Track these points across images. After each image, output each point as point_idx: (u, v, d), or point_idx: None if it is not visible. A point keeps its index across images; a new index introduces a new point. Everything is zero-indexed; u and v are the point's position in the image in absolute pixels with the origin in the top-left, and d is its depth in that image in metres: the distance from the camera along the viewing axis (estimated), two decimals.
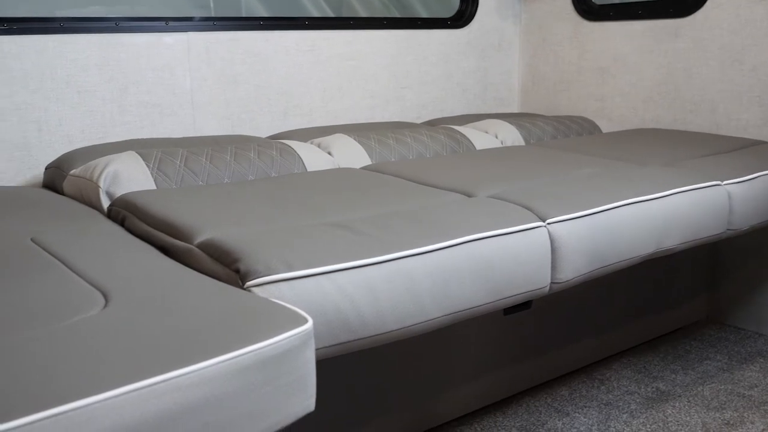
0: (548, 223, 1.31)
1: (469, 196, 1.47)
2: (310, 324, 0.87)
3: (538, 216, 1.32)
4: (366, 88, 2.43)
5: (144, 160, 1.57)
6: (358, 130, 2.07)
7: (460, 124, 2.25)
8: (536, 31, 2.75)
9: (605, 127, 2.40)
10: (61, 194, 1.65)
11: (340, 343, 1.05)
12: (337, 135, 1.93)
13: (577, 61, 2.62)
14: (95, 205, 1.51)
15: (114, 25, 1.95)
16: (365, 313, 1.06)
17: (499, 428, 1.67)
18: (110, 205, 1.46)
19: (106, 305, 0.89)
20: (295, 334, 0.84)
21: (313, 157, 1.78)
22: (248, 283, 0.99)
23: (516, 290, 1.27)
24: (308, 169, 1.74)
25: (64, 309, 0.87)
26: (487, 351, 1.72)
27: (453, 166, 1.73)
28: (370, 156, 1.86)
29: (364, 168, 1.76)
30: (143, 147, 1.76)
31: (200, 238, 1.13)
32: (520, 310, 1.39)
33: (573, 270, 1.34)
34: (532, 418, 1.71)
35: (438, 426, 1.67)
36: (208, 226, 1.17)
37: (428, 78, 2.58)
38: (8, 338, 0.79)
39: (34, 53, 1.83)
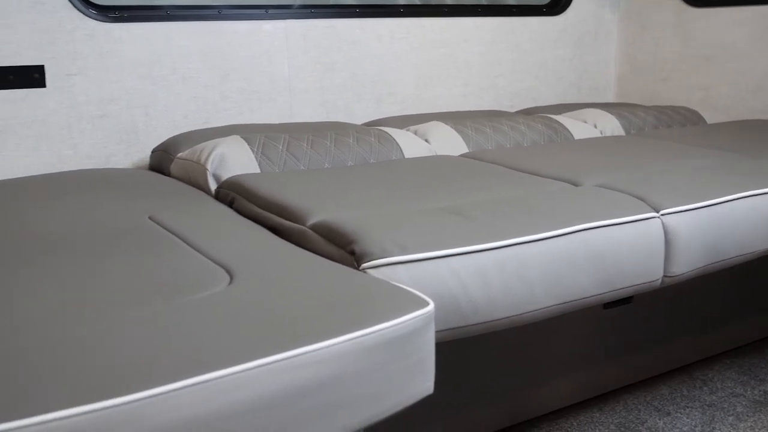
0: (662, 214, 1.27)
1: (575, 185, 1.43)
2: (431, 307, 0.87)
3: (651, 206, 1.28)
4: (459, 76, 2.41)
5: (248, 144, 1.61)
6: (453, 118, 2.06)
7: (556, 113, 2.20)
8: (635, 18, 2.65)
9: (710, 117, 2.30)
10: (168, 176, 1.71)
11: (451, 329, 1.04)
12: (434, 122, 1.92)
13: (680, 49, 2.52)
14: (202, 187, 1.55)
15: (217, 13, 1.99)
16: (477, 299, 1.05)
17: (597, 424, 1.63)
18: (218, 187, 1.49)
19: (231, 282, 0.91)
20: (417, 316, 0.84)
21: (410, 144, 1.77)
22: (364, 265, 1.00)
23: (627, 282, 1.23)
24: (406, 156, 1.74)
25: (192, 284, 0.90)
26: (585, 345, 1.68)
27: (554, 155, 1.69)
28: (467, 144, 1.85)
29: (463, 155, 1.75)
30: (244, 132, 1.80)
31: (313, 220, 1.15)
32: (621, 304, 1.35)
33: (687, 264, 1.29)
34: (631, 416, 1.66)
35: (534, 418, 1.64)
36: (319, 209, 1.18)
37: (522, 66, 2.53)
38: (144, 309, 0.82)
39: (143, 40, 1.89)
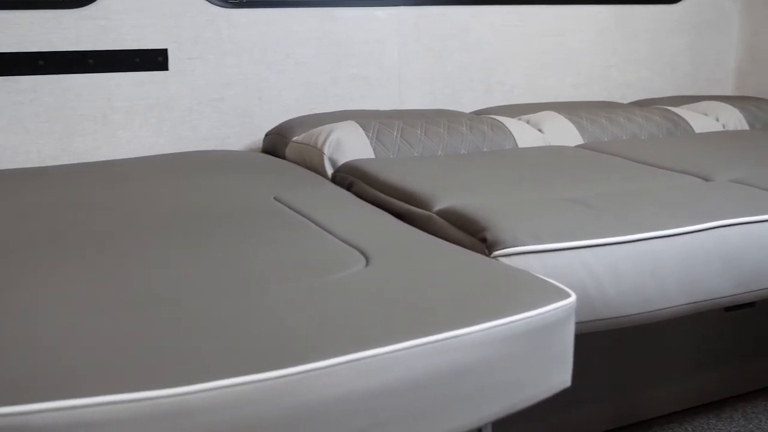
0: None
1: (706, 179, 1.37)
2: (573, 299, 0.85)
3: None
4: (570, 65, 2.35)
5: (363, 129, 1.62)
6: (566, 108, 2.01)
7: (673, 105, 2.11)
8: (760, 6, 2.51)
9: None
10: (282, 159, 1.74)
11: (581, 322, 1.01)
12: (547, 112, 1.88)
13: None
14: (318, 170, 1.58)
15: None
16: (608, 293, 1.02)
17: (713, 431, 1.56)
18: (335, 171, 1.51)
19: (367, 264, 0.91)
20: (560, 307, 0.82)
21: (523, 134, 1.74)
22: (495, 253, 0.98)
23: (765, 284, 1.16)
24: (519, 146, 1.71)
25: (330, 264, 0.91)
26: (703, 348, 1.61)
27: (677, 148, 1.62)
28: (582, 135, 1.79)
29: (579, 146, 1.70)
30: (357, 118, 1.81)
31: (439, 206, 1.14)
32: (744, 308, 1.29)
33: None
34: (751, 425, 1.58)
35: (645, 421, 1.59)
36: (445, 195, 1.17)
37: (636, 56, 2.44)
38: (290, 286, 0.83)
39: (259, 26, 1.94)
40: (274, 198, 1.27)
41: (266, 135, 1.91)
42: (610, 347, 1.47)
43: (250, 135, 1.98)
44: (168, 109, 1.88)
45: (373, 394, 0.69)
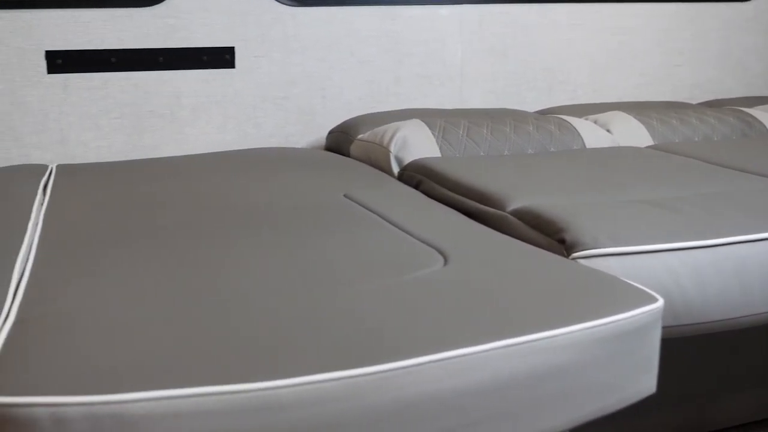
0: None
1: None
2: (660, 303, 0.82)
3: None
4: (635, 65, 2.29)
5: (429, 128, 1.61)
6: (634, 108, 1.96)
7: (746, 106, 2.05)
8: None
9: None
10: (346, 156, 1.75)
11: (664, 328, 0.98)
12: (615, 112, 1.84)
13: None
14: (384, 168, 1.57)
15: None
16: (691, 299, 0.99)
17: None
18: (402, 169, 1.51)
19: (446, 263, 0.90)
20: (647, 312, 0.80)
21: (592, 134, 1.71)
22: (574, 255, 0.97)
23: None
24: (587, 146, 1.68)
25: (408, 262, 0.91)
26: None
27: (752, 150, 1.57)
28: (652, 136, 1.75)
29: (650, 147, 1.66)
30: (420, 116, 1.80)
31: (514, 206, 1.13)
32: None
33: None
34: None
35: (721, 429, 1.54)
36: (518, 195, 1.16)
37: (704, 55, 2.37)
38: (372, 284, 0.83)
39: (324, 24, 1.94)
40: (344, 195, 1.27)
41: (329, 133, 1.91)
42: (684, 352, 1.43)
43: (313, 133, 1.99)
44: (233, 107, 1.91)
45: (460, 393, 0.68)
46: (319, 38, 1.95)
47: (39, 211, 1.23)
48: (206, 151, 1.89)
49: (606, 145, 1.68)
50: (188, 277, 0.86)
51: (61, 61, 1.76)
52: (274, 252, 0.95)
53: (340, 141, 1.82)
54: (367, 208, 1.18)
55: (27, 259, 0.97)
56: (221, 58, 1.88)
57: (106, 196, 1.29)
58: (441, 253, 0.94)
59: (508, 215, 1.11)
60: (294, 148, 1.79)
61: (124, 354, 0.66)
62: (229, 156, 1.66)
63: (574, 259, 0.96)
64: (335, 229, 1.05)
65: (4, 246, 0.99)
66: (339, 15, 1.95)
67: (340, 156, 1.72)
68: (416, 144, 1.56)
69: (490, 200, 1.17)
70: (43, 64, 1.75)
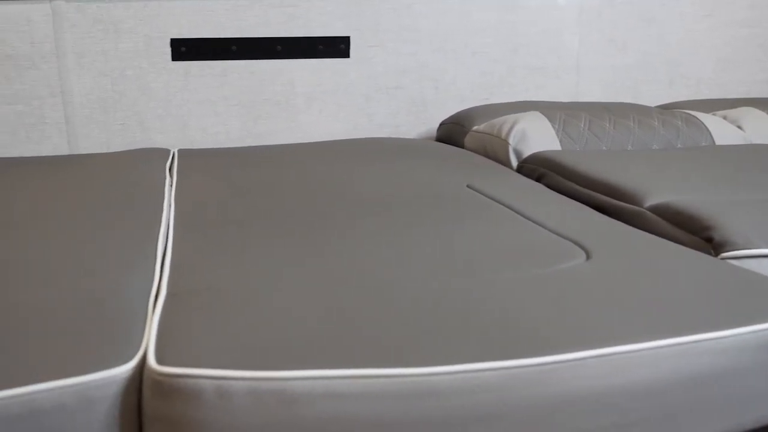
0: None
1: None
2: None
3: None
4: (765, 59, 2.16)
5: (549, 120, 1.57)
6: (765, 105, 1.85)
7: None
8: None
9: None
10: (460, 148, 1.72)
11: None
12: (747, 108, 1.74)
13: None
14: (501, 161, 1.54)
15: None
16: None
17: None
18: (522, 162, 1.47)
19: (588, 258, 0.87)
20: None
21: (721, 130, 1.62)
22: (723, 254, 0.91)
23: None
24: (716, 142, 1.59)
25: (547, 255, 0.88)
26: None
27: None
28: None
29: None
30: (537, 108, 1.76)
31: (651, 202, 1.08)
32: None
33: None
34: None
35: None
36: (655, 190, 1.10)
37: None
38: (515, 275, 0.81)
39: (439, 15, 1.93)
40: (467, 186, 1.25)
41: (441, 124, 1.90)
42: None
43: (423, 124, 1.98)
44: (346, 96, 1.92)
45: (620, 392, 0.65)
46: (434, 29, 1.93)
47: (170, 192, 1.27)
48: (318, 140, 1.91)
49: (738, 142, 1.59)
50: (326, 260, 0.86)
51: (184, 49, 1.82)
52: (406, 240, 0.94)
53: (453, 132, 1.80)
54: (493, 199, 1.15)
55: (167, 236, 1.00)
56: (337, 47, 1.89)
57: (228, 180, 1.32)
58: (581, 247, 0.91)
59: (646, 211, 1.06)
60: (408, 139, 1.79)
61: (283, 332, 0.66)
62: (346, 144, 1.67)
63: (723, 259, 0.91)
64: (465, 218, 1.04)
65: (146, 224, 1.03)
66: (455, 6, 1.93)
67: (455, 147, 1.70)
68: (536, 136, 1.52)
69: (624, 195, 1.12)
70: (168, 51, 1.81)
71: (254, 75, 1.87)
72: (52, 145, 1.78)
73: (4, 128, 1.74)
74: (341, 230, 0.99)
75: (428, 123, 1.98)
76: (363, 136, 1.94)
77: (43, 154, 1.77)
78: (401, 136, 1.96)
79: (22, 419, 0.58)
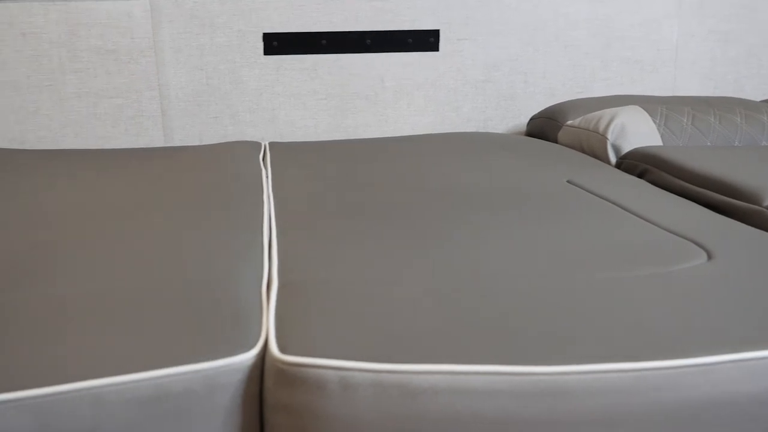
0: None
1: None
2: None
3: None
4: None
5: (650, 115, 1.51)
6: None
7: None
8: None
9: None
10: (553, 143, 1.68)
11: None
12: None
13: None
14: (599, 156, 1.50)
15: None
16: None
17: None
18: (622, 158, 1.43)
19: (709, 258, 0.83)
20: None
21: None
22: None
23: None
24: None
25: (664, 255, 0.84)
26: None
27: None
28: None
29: None
30: (634, 103, 1.70)
31: None
32: None
33: None
34: None
35: None
36: None
37: None
38: (628, 274, 0.78)
39: (531, 7, 1.89)
40: (567, 181, 1.22)
41: (532, 118, 1.86)
42: None
43: (512, 118, 1.95)
44: (434, 89, 1.90)
45: (754, 399, 0.61)
46: (524, 21, 1.89)
47: (267, 184, 1.29)
48: (406, 134, 1.90)
49: None
50: (436, 254, 0.85)
51: (276, 43, 1.84)
52: (511, 235, 0.92)
53: (545, 127, 1.76)
54: (597, 195, 1.12)
55: (269, 227, 1.01)
56: (426, 41, 1.88)
57: (323, 173, 1.33)
58: (701, 246, 0.86)
59: (766, 210, 1.01)
60: (499, 133, 1.76)
61: (404, 324, 0.65)
62: (437, 138, 1.66)
63: None
64: (572, 215, 1.01)
65: (249, 215, 1.04)
66: None
67: (549, 142, 1.66)
68: (636, 132, 1.47)
69: (741, 193, 1.07)
70: (260, 45, 1.84)
71: (344, 69, 1.87)
72: (149, 138, 1.83)
73: (106, 121, 1.80)
74: (447, 225, 0.97)
75: (517, 117, 1.95)
76: (450, 131, 1.92)
77: (140, 146, 1.82)
78: (489, 130, 1.93)
79: (154, 401, 0.59)
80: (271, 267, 0.84)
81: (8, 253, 0.86)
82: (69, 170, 1.38)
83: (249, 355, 0.63)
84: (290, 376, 0.60)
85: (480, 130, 1.93)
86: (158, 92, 1.81)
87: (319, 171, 1.35)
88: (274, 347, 0.63)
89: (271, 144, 1.71)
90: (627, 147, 1.45)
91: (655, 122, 1.49)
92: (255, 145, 1.67)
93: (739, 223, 0.98)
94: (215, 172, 1.33)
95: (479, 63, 1.90)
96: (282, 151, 1.61)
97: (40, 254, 0.86)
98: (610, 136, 1.47)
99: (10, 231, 0.96)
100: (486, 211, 1.03)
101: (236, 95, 1.86)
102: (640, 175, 1.32)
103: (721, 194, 1.10)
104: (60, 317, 0.68)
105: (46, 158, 1.52)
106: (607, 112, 1.54)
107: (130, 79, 1.79)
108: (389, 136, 1.87)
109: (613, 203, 1.07)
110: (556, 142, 1.69)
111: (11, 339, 0.64)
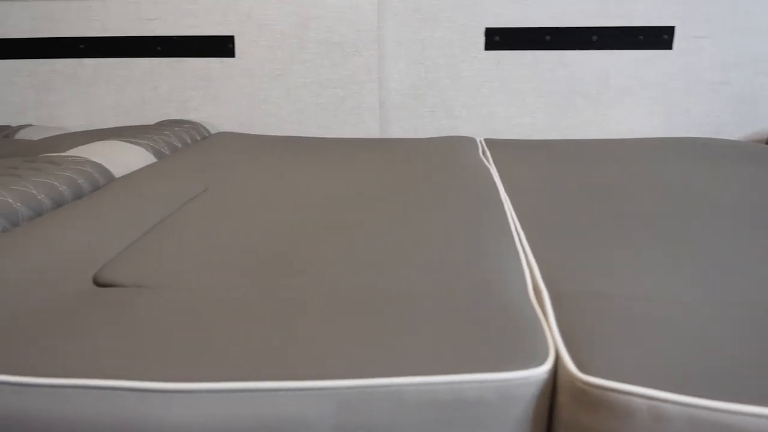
0: None
1: None
2: None
3: None
4: None
5: None
6: None
7: None
8: None
9: None
10: None
11: None
12: None
13: None
14: None
15: None
16: None
17: None
18: None
19: None
20: None
21: None
22: None
23: None
24: None
25: None
26: None
27: None
28: None
29: None
30: None
31: None
32: None
33: None
34: None
35: None
36: None
37: None
38: None
39: None
40: None
41: None
42: None
43: (751, 124, 1.78)
44: (663, 90, 1.78)
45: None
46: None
47: (499, 183, 1.26)
48: (627, 137, 1.80)
49: None
50: (706, 267, 0.78)
51: (498, 38, 1.81)
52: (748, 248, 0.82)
53: None
54: None
55: (516, 230, 0.99)
56: (658, 38, 1.76)
57: (550, 174, 1.28)
58: None
59: None
60: (739, 141, 1.61)
61: (714, 354, 0.60)
62: (666, 143, 1.55)
63: None
64: None
65: (494, 216, 1.02)
66: None
67: None
68: None
69: None
70: (482, 40, 1.81)
71: (566, 66, 1.81)
72: (366, 128, 1.88)
73: (328, 111, 1.87)
74: (713, 237, 0.89)
75: (758, 124, 1.77)
76: (676, 135, 1.79)
77: (357, 137, 1.87)
78: (722, 137, 1.78)
79: (449, 405, 0.59)
80: (533, 273, 0.82)
81: (273, 237, 0.91)
82: (307, 157, 1.44)
83: (542, 370, 0.60)
84: (593, 398, 0.57)
85: (713, 136, 1.78)
86: (378, 84, 1.84)
87: (547, 171, 1.31)
88: (570, 364, 0.60)
89: (488, 141, 1.69)
90: None
91: None
92: (471, 141, 1.65)
93: None
94: (442, 166, 1.33)
95: (717, 63, 1.75)
96: (500, 148, 1.58)
97: (300, 241, 0.89)
98: None
99: (274, 213, 1.01)
100: (751, 226, 0.93)
101: (453, 90, 1.85)
102: None
103: None
104: (343, 310, 0.69)
105: (282, 144, 1.60)
106: None
107: (352, 71, 1.84)
108: (611, 138, 1.78)
109: None
110: None
111: (301, 328, 0.66)
